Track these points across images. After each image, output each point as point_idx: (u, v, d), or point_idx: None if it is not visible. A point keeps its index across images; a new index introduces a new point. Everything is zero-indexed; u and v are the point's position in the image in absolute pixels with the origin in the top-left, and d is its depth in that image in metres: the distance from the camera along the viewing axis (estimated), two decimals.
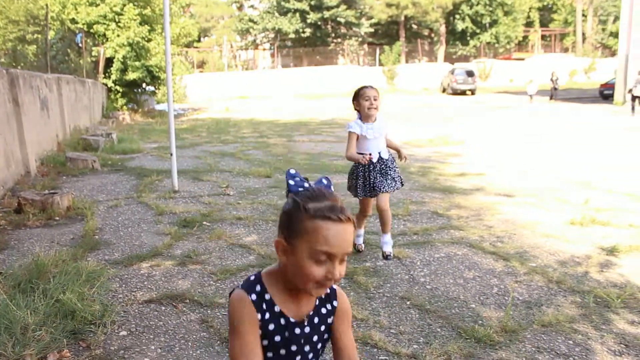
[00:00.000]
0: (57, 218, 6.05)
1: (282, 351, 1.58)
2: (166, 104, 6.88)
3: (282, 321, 1.56)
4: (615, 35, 39.00)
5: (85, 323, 3.42)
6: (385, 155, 4.66)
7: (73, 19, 19.10)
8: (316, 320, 1.63)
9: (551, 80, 29.12)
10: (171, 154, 7.37)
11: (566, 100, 25.68)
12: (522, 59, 48.83)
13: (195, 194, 7.35)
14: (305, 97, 30.30)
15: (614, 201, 6.85)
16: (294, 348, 1.58)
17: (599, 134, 14.30)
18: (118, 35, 19.36)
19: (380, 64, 42.96)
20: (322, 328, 1.64)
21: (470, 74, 33.10)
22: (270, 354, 1.57)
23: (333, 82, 38.44)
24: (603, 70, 39.95)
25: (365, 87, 4.63)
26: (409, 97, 29.77)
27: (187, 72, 33.45)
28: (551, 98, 28.15)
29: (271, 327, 1.55)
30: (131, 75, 19.70)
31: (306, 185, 1.56)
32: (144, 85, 21.13)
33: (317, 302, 1.64)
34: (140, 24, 19.72)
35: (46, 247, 4.86)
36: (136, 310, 3.75)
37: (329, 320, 1.67)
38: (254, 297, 1.53)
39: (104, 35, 19.64)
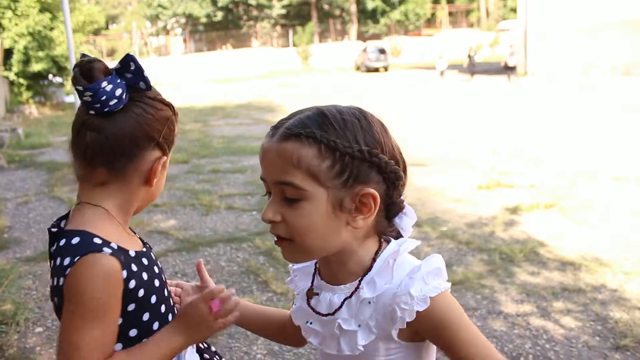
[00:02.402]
0: None
1: (165, 291, 1.26)
2: (74, 95, 6.65)
3: (145, 260, 1.21)
4: (515, 10, 40.78)
5: None
6: None
7: None
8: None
9: (469, 56, 26.01)
10: None
11: (468, 72, 26.67)
12: (431, 35, 50.19)
13: None
14: (221, 82, 29.89)
15: (516, 165, 7.27)
16: (157, 282, 1.24)
17: (499, 103, 15.03)
18: (16, 24, 18.26)
19: (294, 45, 42.91)
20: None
21: (382, 51, 33.66)
22: (163, 308, 1.23)
23: (248, 65, 38.09)
24: (506, 43, 41.74)
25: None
26: (323, 77, 29.99)
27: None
28: (472, 75, 25.22)
29: (145, 276, 1.17)
30: (35, 67, 18.68)
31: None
32: (50, 76, 20.11)
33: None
34: (40, 11, 18.71)
35: None
36: (51, 305, 3.65)
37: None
38: (108, 250, 1.09)
39: (0, 24, 18.50)
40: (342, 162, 0.95)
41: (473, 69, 25.69)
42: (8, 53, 18.97)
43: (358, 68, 34.90)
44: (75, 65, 1.13)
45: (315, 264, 1.13)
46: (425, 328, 1.00)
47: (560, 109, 13.17)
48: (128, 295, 1.13)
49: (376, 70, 32.98)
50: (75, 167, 1.19)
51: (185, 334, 1.18)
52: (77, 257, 1.06)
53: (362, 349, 1.01)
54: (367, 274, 1.02)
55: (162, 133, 1.18)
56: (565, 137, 9.31)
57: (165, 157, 1.22)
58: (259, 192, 6.36)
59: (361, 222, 0.99)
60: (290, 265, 1.19)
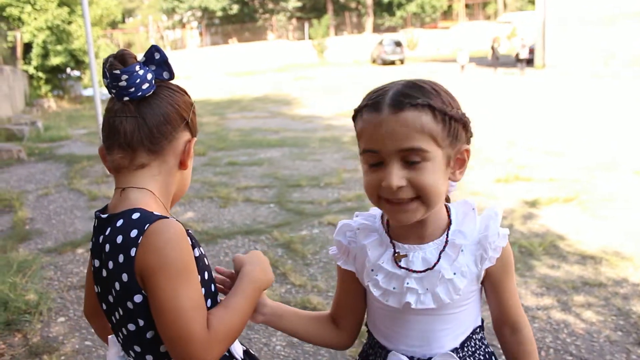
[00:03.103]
0: None
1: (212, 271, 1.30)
2: (93, 88, 6.70)
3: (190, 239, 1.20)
4: (532, 2, 40.26)
5: (20, 313, 3.36)
6: None
7: None
8: None
9: (492, 47, 24.83)
10: (100, 138, 7.19)
11: (491, 65, 26.40)
12: (448, 28, 49.78)
13: None
14: (237, 75, 29.93)
15: (535, 158, 7.21)
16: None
17: (517, 96, 14.89)
18: (35, 19, 18.42)
19: (310, 38, 42.82)
20: None
21: (398, 44, 33.48)
22: (213, 287, 1.25)
23: (264, 58, 38.09)
24: (523, 36, 41.28)
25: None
26: (339, 70, 29.90)
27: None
28: (496, 68, 24.20)
29: (197, 252, 1.19)
30: (54, 61, 18.83)
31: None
32: (68, 70, 20.27)
33: None
34: (59, 5, 18.84)
35: None
36: (73, 296, 3.70)
37: None
38: (171, 218, 1.15)
39: (19, 19, 18.66)
40: (450, 124, 1.09)
41: (497, 61, 24.45)
42: (27, 47, 19.15)
43: (374, 61, 34.74)
44: (109, 56, 1.17)
45: (388, 233, 1.23)
46: (497, 267, 1.20)
47: (579, 101, 13.02)
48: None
49: (392, 63, 32.80)
50: (112, 159, 1.20)
51: (259, 281, 1.23)
52: (147, 225, 1.08)
53: (461, 294, 1.16)
54: (449, 227, 1.19)
55: (190, 115, 1.24)
56: (584, 129, 9.21)
57: (194, 139, 1.27)
58: (276, 184, 6.37)
59: (459, 176, 1.16)
60: (334, 252, 1.29)
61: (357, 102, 1.20)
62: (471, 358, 1.24)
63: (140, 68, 1.17)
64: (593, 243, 4.23)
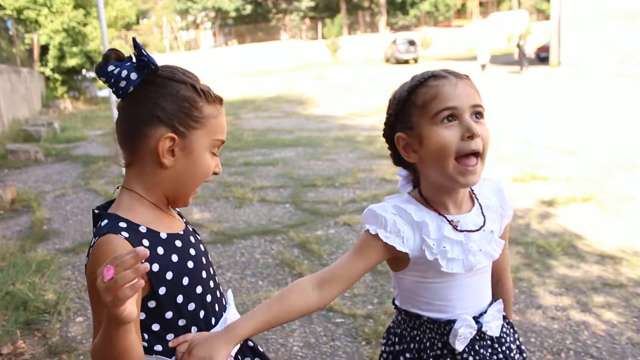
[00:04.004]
0: (1, 212, 5.89)
1: (204, 273, 1.29)
2: (108, 89, 6.76)
3: (178, 243, 1.24)
4: None
5: (39, 312, 3.39)
6: (495, 327, 1.41)
7: (0, 5, 18.26)
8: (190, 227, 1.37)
9: (518, 45, 23.35)
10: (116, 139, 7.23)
11: (506, 64, 26.20)
12: (462, 27, 49.51)
13: None
14: (250, 75, 29.99)
15: (551, 157, 7.14)
16: (200, 261, 1.29)
17: (532, 94, 14.76)
18: (51, 21, 18.60)
19: (323, 38, 42.80)
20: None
21: (412, 43, 33.33)
22: (199, 289, 1.26)
23: (277, 58, 38.14)
24: (538, 33, 40.95)
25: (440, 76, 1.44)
26: (353, 69, 29.86)
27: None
28: (522, 67, 22.79)
29: (175, 258, 1.21)
30: (70, 62, 19.00)
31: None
32: (83, 71, 20.44)
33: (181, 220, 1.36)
34: (75, 7, 19.00)
35: None
36: None
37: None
38: (125, 234, 1.14)
39: (36, 21, 18.85)
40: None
41: (523, 60, 22.91)
42: (44, 49, 19.34)
43: (387, 60, 34.63)
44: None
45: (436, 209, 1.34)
46: (507, 225, 1.44)
47: (595, 100, 12.89)
48: (154, 278, 1.16)
49: (406, 62, 32.67)
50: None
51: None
52: (97, 238, 1.14)
53: (502, 247, 1.37)
54: (473, 194, 1.39)
55: (170, 110, 1.19)
56: (601, 128, 9.11)
57: (174, 136, 1.19)
58: (291, 184, 6.38)
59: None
60: (383, 231, 1.29)
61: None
62: (499, 304, 1.41)
63: (116, 67, 1.18)
64: (612, 243, 4.18)
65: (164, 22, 55.15)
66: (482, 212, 1.35)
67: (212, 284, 1.32)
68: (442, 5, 52.39)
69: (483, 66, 22.61)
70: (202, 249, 1.33)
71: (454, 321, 1.32)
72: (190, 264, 1.24)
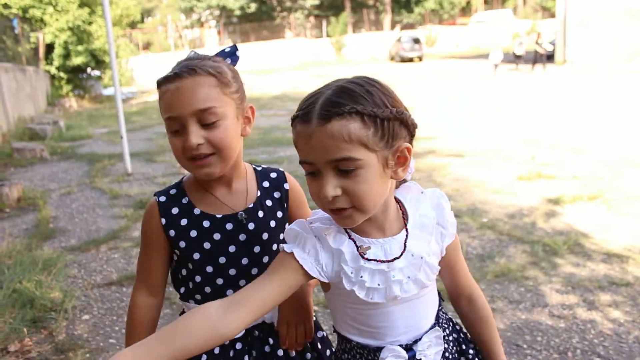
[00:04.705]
0: (8, 210, 5.91)
1: (222, 259, 1.37)
2: (113, 88, 6.75)
3: (206, 223, 1.36)
4: None
5: (46, 310, 3.40)
6: (432, 354, 1.29)
7: (5, 4, 18.29)
8: (261, 214, 1.41)
9: (536, 43, 22.45)
10: (122, 137, 7.26)
11: (509, 62, 26.09)
12: (466, 25, 49.38)
13: (149, 175, 7.27)
14: (254, 73, 29.99)
15: (557, 155, 7.12)
16: (232, 249, 1.36)
17: (538, 93, 14.72)
18: (57, 20, 18.64)
19: (328, 36, 42.76)
20: (274, 223, 1.42)
21: (416, 41, 33.30)
22: (210, 269, 1.37)
23: (282, 57, 38.16)
24: (543, 31, 40.79)
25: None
26: (357, 67, 29.83)
27: (133, 54, 32.58)
28: (542, 65, 22.18)
29: (193, 233, 1.35)
30: (75, 61, 19.05)
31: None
32: (88, 70, 20.49)
33: (258, 194, 1.43)
34: (80, 6, 19.04)
35: None
36: (97, 294, 3.74)
37: (283, 210, 1.46)
38: (162, 198, 1.38)
39: (42, 20, 18.90)
40: (382, 126, 1.07)
41: (542, 58, 22.14)
42: (49, 48, 19.38)
43: (392, 58, 34.61)
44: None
45: (346, 230, 1.19)
46: (451, 244, 1.28)
47: (601, 98, 12.84)
48: (171, 242, 1.37)
49: (410, 60, 32.65)
50: None
51: None
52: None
53: (435, 273, 1.22)
54: (405, 217, 1.23)
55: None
56: (608, 126, 9.07)
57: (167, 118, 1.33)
58: (298, 182, 6.36)
59: (402, 173, 1.15)
60: (299, 251, 1.16)
61: None
62: (443, 327, 1.31)
63: None
64: (618, 241, 4.16)
65: (169, 20, 55.22)
66: (405, 241, 1.19)
67: (233, 272, 1.38)
68: (447, 3, 52.30)
69: (496, 66, 21.54)
70: (243, 238, 1.38)
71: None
72: (206, 245, 1.35)
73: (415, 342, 1.23)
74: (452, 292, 1.41)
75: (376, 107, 1.06)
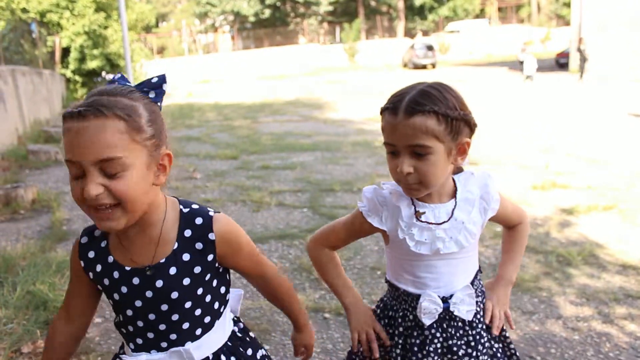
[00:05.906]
0: (22, 212, 5.96)
1: (129, 311, 1.32)
2: None
3: (116, 274, 1.30)
4: (568, 5, 39.56)
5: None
6: (465, 311, 1.56)
7: (24, 8, 18.52)
8: (173, 270, 1.28)
9: (579, 50, 20.67)
10: None
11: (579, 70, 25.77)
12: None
13: None
14: (268, 78, 30.11)
15: (572, 165, 7.06)
16: (138, 304, 1.30)
17: (553, 101, 14.63)
18: (73, 24, 18.86)
19: (341, 42, 42.83)
20: (188, 280, 1.30)
21: (430, 48, 33.27)
22: (130, 312, 1.33)
23: (295, 62, 38.26)
24: (558, 39, 40.58)
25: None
26: (370, 74, 29.84)
27: (147, 58, 32.86)
28: (581, 75, 20.33)
29: (106, 282, 1.32)
30: (90, 64, 19.26)
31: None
32: (103, 73, 20.68)
33: (175, 246, 1.29)
34: (96, 10, 19.25)
35: (13, 241, 4.79)
36: None
37: (204, 263, 1.32)
38: (84, 239, 1.36)
39: (59, 24, 19.12)
40: (451, 124, 1.40)
41: (584, 66, 20.36)
42: (65, 52, 19.59)
43: (405, 65, 34.58)
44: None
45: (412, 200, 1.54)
46: (498, 210, 1.58)
47: (617, 107, 12.73)
48: (94, 280, 1.37)
49: (424, 67, 32.61)
50: None
51: None
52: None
53: (474, 239, 1.53)
54: (456, 191, 1.54)
55: None
56: (624, 136, 8.99)
57: None
58: (309, 189, 6.37)
59: (460, 161, 1.48)
60: (364, 207, 1.58)
61: None
62: (477, 294, 1.59)
63: None
64: (634, 253, 4.11)
65: (183, 25, 55.61)
66: (453, 208, 1.51)
67: (152, 317, 1.32)
68: (461, 10, 52.22)
69: (529, 77, 19.61)
70: (150, 295, 1.30)
71: None
72: (116, 296, 1.34)
73: (451, 296, 1.53)
74: (505, 225, 1.76)
75: (449, 109, 1.38)
